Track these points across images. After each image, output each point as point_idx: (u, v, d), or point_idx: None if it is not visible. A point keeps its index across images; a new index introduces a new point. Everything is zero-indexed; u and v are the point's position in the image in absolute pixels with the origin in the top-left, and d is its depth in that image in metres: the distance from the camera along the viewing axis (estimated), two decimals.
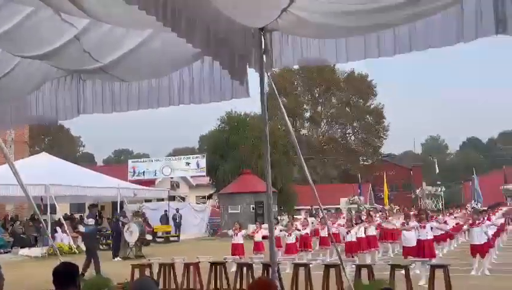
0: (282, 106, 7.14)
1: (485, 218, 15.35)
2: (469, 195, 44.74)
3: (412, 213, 17.98)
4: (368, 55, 5.17)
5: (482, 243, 13.99)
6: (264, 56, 5.64)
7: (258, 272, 11.22)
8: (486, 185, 42.78)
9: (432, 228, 13.95)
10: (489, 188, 41.64)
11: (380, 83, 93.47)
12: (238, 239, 15.69)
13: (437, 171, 55.75)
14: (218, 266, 11.82)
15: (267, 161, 6.02)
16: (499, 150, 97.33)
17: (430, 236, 13.54)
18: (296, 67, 42.14)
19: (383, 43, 5.03)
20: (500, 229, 20.31)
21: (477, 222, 14.29)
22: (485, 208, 21.97)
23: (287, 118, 7.07)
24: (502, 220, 22.19)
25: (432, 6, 4.31)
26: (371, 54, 5.14)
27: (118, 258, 20.86)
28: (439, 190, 48.86)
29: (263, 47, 5.55)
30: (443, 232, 17.38)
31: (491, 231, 15.49)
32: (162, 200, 35.43)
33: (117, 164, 72.97)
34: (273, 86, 6.69)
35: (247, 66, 5.65)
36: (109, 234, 25.77)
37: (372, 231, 17.47)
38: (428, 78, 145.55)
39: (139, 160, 45.93)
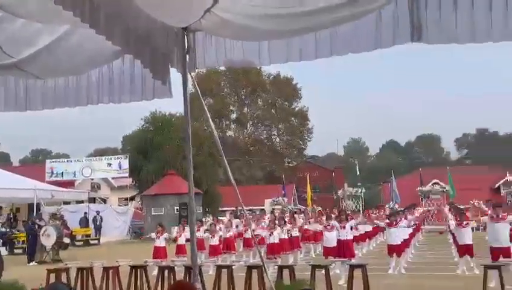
0: (205, 107, 7.07)
1: (402, 218, 15.99)
2: (388, 196, 46.36)
3: (333, 215, 18.41)
4: (290, 58, 5.19)
5: (399, 243, 14.55)
6: (187, 56, 5.55)
7: (180, 275, 11.09)
8: (403, 187, 44.43)
9: (351, 227, 14.37)
10: (407, 189, 43.24)
11: (306, 86, 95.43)
12: (161, 242, 15.43)
13: (358, 172, 57.40)
14: (138, 270, 11.58)
15: (190, 162, 5.93)
16: (416, 153, 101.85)
17: (350, 236, 13.93)
18: (222, 68, 42.05)
19: (304, 47, 5.06)
20: (416, 229, 21.23)
21: (394, 222, 14.83)
22: (402, 209, 22.87)
23: (210, 119, 7.00)
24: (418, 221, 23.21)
25: (370, 7, 4.32)
26: (293, 57, 5.16)
27: (34, 262, 20.14)
28: (360, 191, 50.23)
29: (186, 47, 5.46)
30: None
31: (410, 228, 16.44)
32: (82, 202, 34.42)
33: (34, 164, 70.11)
34: (197, 86, 6.61)
35: (170, 65, 5.55)
36: (16, 237, 25.02)
37: (295, 232, 17.75)
38: (353, 83, 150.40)
39: (57, 160, 44.38)
